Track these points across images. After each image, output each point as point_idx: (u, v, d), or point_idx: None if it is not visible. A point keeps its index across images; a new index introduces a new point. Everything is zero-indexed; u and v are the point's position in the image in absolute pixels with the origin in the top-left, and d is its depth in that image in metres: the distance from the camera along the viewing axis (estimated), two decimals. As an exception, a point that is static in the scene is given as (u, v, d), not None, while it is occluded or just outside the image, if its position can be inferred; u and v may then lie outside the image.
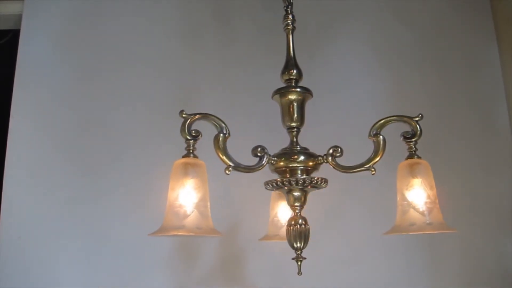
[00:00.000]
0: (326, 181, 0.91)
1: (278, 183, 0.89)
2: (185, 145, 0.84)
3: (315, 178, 0.89)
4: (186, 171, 0.82)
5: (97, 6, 1.62)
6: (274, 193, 1.03)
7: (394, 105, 1.52)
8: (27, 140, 1.48)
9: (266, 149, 0.90)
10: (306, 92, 0.96)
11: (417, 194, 0.81)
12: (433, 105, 1.52)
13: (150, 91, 1.54)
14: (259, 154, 0.89)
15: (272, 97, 0.98)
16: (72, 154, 1.47)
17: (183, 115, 0.84)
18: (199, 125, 0.87)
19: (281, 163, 0.90)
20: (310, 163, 0.91)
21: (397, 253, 1.40)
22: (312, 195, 0.95)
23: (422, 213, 0.80)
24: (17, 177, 1.45)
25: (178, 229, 0.78)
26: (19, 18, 1.62)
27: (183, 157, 0.84)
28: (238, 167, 0.86)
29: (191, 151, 0.84)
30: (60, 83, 1.54)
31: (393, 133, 0.93)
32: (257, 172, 0.90)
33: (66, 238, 1.40)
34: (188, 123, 0.84)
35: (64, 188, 1.44)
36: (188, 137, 0.84)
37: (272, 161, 0.91)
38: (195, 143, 0.84)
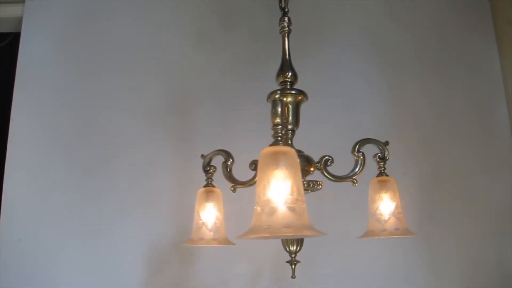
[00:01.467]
0: (321, 183, 0.91)
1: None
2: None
3: (311, 181, 0.89)
4: (207, 197, 0.96)
5: (97, 8, 1.63)
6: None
7: (393, 107, 1.51)
8: (27, 142, 1.49)
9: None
10: (301, 95, 0.95)
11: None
12: (432, 107, 1.51)
13: (149, 92, 1.54)
14: (253, 168, 0.92)
15: (267, 99, 0.98)
16: (72, 156, 1.48)
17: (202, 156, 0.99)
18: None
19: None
20: (312, 169, 0.92)
21: (397, 254, 1.39)
22: (309, 196, 0.95)
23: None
24: (17, 179, 1.46)
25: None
26: (19, 21, 1.63)
27: (204, 186, 0.98)
28: (238, 184, 0.94)
29: (209, 182, 0.98)
30: (60, 85, 1.55)
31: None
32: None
33: (65, 240, 1.40)
34: (204, 162, 0.98)
35: (63, 190, 1.45)
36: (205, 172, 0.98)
37: None
38: (212, 175, 0.98)
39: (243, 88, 1.52)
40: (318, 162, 0.93)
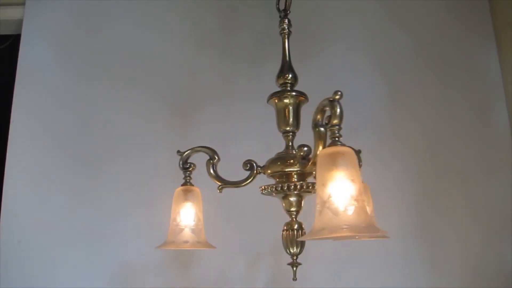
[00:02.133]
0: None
1: (275, 188, 0.89)
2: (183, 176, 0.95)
3: (311, 183, 0.88)
4: (185, 196, 0.93)
5: (97, 10, 1.63)
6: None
7: (392, 109, 1.51)
8: (27, 144, 1.49)
9: (254, 162, 0.92)
10: (302, 96, 0.95)
11: (338, 190, 0.66)
12: (431, 109, 1.51)
13: (150, 94, 1.54)
14: (245, 168, 0.92)
15: (268, 101, 0.98)
16: (72, 158, 1.48)
17: (179, 153, 0.95)
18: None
19: (276, 168, 0.90)
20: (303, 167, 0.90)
21: (396, 255, 1.39)
22: (310, 199, 0.95)
23: (342, 213, 0.64)
24: (17, 181, 1.45)
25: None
26: (19, 23, 1.62)
27: (182, 185, 0.96)
28: (227, 185, 0.92)
29: (187, 180, 0.95)
30: (60, 87, 1.55)
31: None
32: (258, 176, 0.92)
33: (65, 242, 1.40)
34: (182, 159, 0.94)
35: (64, 191, 1.45)
36: (184, 170, 0.95)
37: (261, 172, 0.92)
38: (190, 173, 0.95)
39: (245, 90, 1.53)
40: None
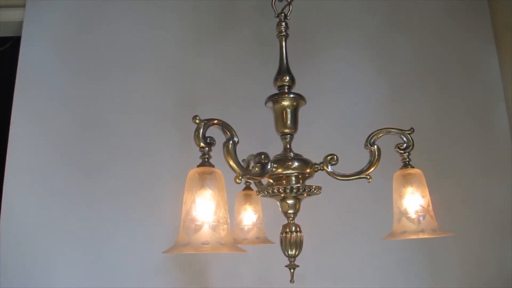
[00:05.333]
0: (319, 188, 0.91)
1: (273, 190, 0.89)
2: (200, 153, 0.75)
3: (309, 186, 0.89)
4: (203, 181, 0.72)
5: (98, 12, 1.63)
6: (240, 196, 0.98)
7: (392, 111, 1.51)
8: (27, 145, 1.50)
9: (269, 156, 0.87)
10: (299, 99, 0.95)
11: (410, 202, 0.88)
12: (431, 111, 1.51)
13: (150, 96, 1.54)
14: (263, 161, 0.85)
15: (266, 103, 0.98)
16: (73, 160, 1.48)
17: (197, 121, 0.74)
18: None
19: (277, 170, 0.90)
20: (308, 170, 0.90)
21: (396, 257, 1.39)
22: (307, 201, 0.95)
23: (414, 220, 0.88)
24: (17, 183, 1.46)
25: (202, 246, 0.68)
26: (19, 25, 1.63)
27: (199, 166, 0.74)
28: (247, 175, 0.80)
29: (206, 159, 0.74)
30: (60, 89, 1.56)
31: (385, 142, 0.93)
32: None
33: (65, 244, 1.41)
34: (202, 130, 0.74)
35: (64, 194, 1.45)
36: (203, 145, 0.75)
37: (274, 168, 0.89)
38: (210, 150, 0.75)
39: (244, 91, 1.53)
40: (321, 163, 0.90)
